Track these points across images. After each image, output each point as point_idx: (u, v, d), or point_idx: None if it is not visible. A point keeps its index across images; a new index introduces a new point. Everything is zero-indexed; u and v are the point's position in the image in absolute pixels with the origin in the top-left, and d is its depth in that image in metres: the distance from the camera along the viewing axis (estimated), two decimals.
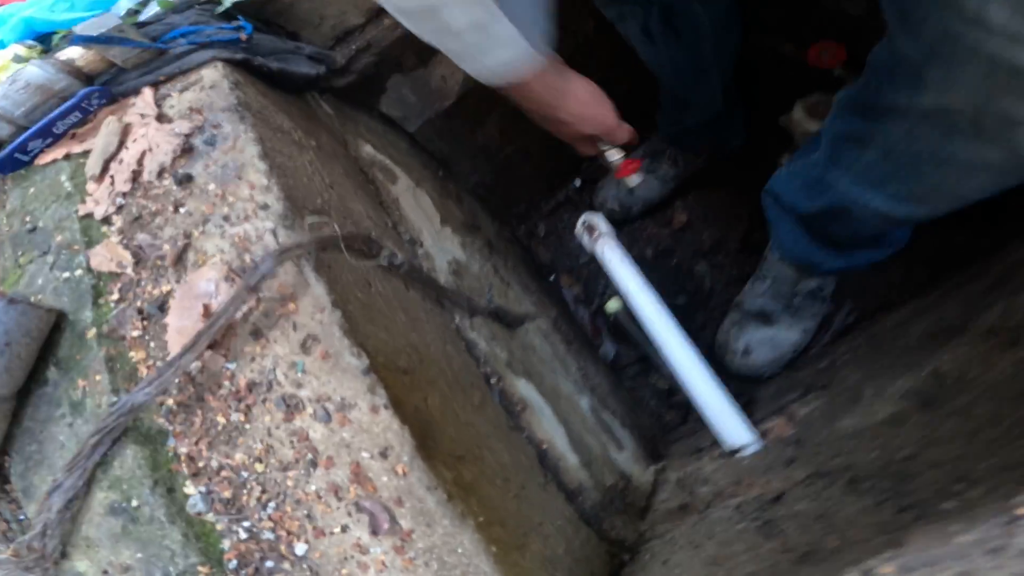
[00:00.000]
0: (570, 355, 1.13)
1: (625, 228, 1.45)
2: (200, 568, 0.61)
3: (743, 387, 1.30)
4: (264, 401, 0.61)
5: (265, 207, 0.68)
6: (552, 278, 1.39)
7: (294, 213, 0.68)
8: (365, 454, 0.57)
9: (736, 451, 1.01)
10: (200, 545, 0.62)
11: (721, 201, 1.49)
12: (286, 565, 0.60)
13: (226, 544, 0.61)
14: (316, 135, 0.93)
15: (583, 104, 0.89)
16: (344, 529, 0.58)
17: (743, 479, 0.89)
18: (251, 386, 0.62)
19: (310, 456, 0.59)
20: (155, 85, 0.86)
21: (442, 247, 1.02)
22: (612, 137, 0.96)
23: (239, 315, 0.63)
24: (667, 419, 1.31)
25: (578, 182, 1.50)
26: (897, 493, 0.62)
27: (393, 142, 1.21)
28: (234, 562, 0.61)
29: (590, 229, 1.20)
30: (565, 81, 0.86)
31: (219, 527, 0.62)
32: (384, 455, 0.57)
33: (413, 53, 1.21)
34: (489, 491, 0.65)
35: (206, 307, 0.65)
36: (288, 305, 0.63)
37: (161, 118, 0.81)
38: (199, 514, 0.62)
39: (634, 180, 1.06)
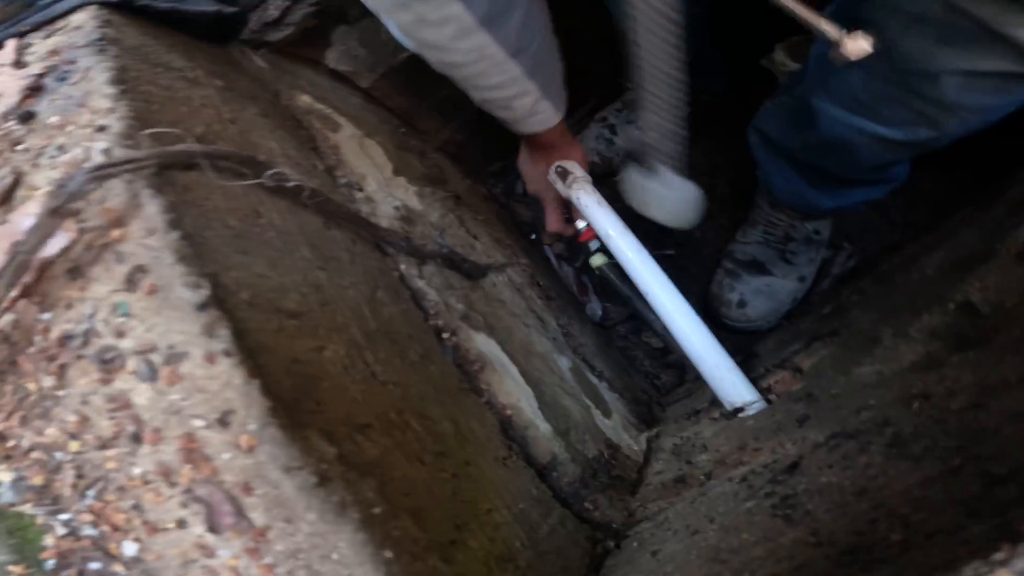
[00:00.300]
0: (549, 311, 0.90)
1: (608, 181, 1.21)
2: (14, 568, 0.40)
3: (740, 342, 1.07)
4: (80, 358, 0.39)
5: (104, 129, 0.46)
6: (533, 236, 1.16)
7: (140, 133, 0.46)
8: (198, 422, 0.35)
9: (738, 410, 0.78)
10: (15, 541, 0.40)
11: (706, 149, 1.25)
12: (116, 567, 0.38)
13: (47, 541, 0.40)
14: (229, 79, 0.71)
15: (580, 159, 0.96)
16: (181, 524, 0.36)
17: (748, 443, 0.66)
18: (65, 340, 0.39)
19: (132, 428, 0.37)
20: (20, 36, 0.65)
21: (391, 194, 0.80)
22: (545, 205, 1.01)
23: (55, 251, 0.41)
24: (662, 380, 1.07)
25: None
26: (974, 457, 0.39)
27: (343, 97, 0.99)
28: (53, 562, 0.40)
29: (563, 174, 0.96)
30: (573, 138, 0.96)
31: (38, 521, 0.40)
32: (223, 423, 0.35)
33: (357, 2, 0.98)
34: (406, 471, 0.43)
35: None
36: (114, 232, 0.41)
37: (17, 64, 0.60)
38: (11, 505, 0.41)
39: (596, 244, 1.02)
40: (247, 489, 0.35)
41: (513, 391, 0.63)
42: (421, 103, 1.12)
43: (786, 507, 0.44)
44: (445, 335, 0.63)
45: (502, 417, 0.61)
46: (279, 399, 0.36)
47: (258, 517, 0.35)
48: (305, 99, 0.86)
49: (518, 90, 0.76)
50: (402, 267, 0.68)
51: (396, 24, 0.70)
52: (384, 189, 0.79)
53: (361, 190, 0.76)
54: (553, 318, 0.89)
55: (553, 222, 1.03)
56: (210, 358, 0.35)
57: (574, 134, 1.31)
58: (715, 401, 0.85)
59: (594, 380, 0.84)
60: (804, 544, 0.38)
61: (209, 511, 0.35)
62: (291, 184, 0.52)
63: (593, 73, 1.39)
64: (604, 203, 0.94)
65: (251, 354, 0.37)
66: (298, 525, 0.34)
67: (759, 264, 1.12)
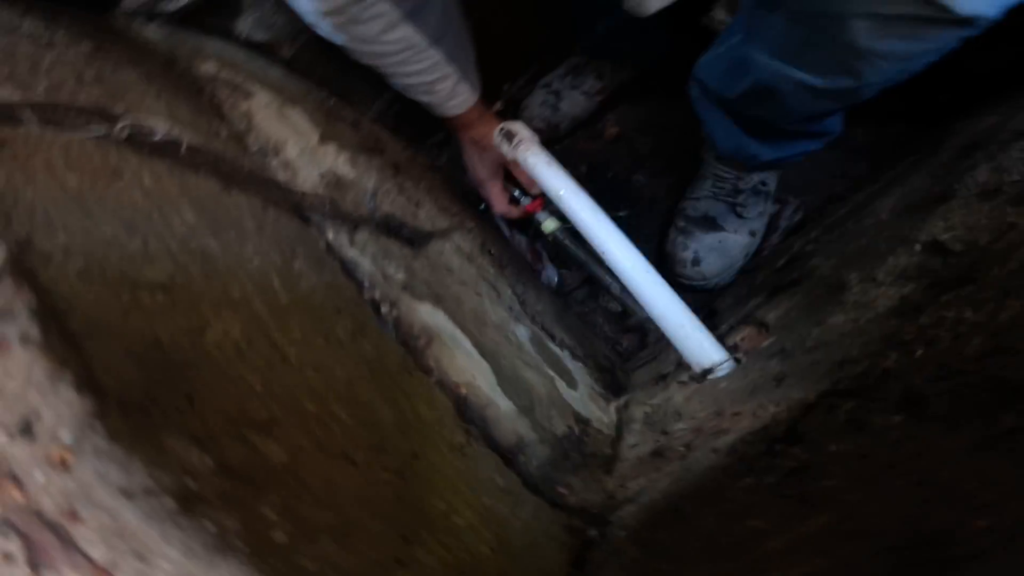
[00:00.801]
0: (503, 279, 0.79)
1: (554, 147, 1.10)
2: None
3: (698, 301, 0.98)
4: None
5: None
6: (483, 207, 1.04)
7: None
8: None
9: (707, 372, 0.69)
10: None
11: (652, 110, 1.15)
12: None
13: None
14: (103, 45, 0.56)
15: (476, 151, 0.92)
16: (8, 559, 0.23)
17: (725, 408, 0.56)
18: None
19: None
20: None
21: (315, 161, 0.66)
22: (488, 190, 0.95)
23: None
24: (624, 345, 0.98)
25: (499, 105, 1.14)
26: None
27: (260, 68, 0.84)
28: None
29: (508, 136, 0.85)
30: (493, 117, 0.89)
31: None
32: (27, 433, 0.22)
33: None
34: (330, 476, 0.31)
35: None
36: None
37: None
38: None
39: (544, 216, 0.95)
40: (74, 518, 0.22)
41: (467, 366, 0.52)
42: (351, 73, 0.97)
43: (796, 485, 0.34)
44: (383, 308, 0.51)
45: (456, 397, 0.50)
46: (118, 397, 0.23)
47: (98, 553, 0.22)
48: (209, 67, 0.70)
49: (439, 75, 0.77)
50: (329, 235, 0.55)
51: (329, 25, 0.68)
52: (307, 156, 0.66)
53: (277, 155, 0.62)
54: (507, 286, 0.77)
55: (498, 205, 0.95)
56: (4, 346, 0.22)
57: (518, 101, 1.20)
58: (682, 363, 0.76)
59: (555, 349, 0.73)
60: (837, 535, 0.28)
61: (28, 545, 0.22)
62: (158, 138, 0.39)
63: (535, 39, 1.27)
64: (554, 162, 0.83)
65: (72, 339, 0.24)
66: (155, 562, 0.22)
67: (711, 220, 1.04)
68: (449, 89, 0.80)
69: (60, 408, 0.22)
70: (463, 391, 0.51)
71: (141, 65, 0.58)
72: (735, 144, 0.94)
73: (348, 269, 0.53)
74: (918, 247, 0.63)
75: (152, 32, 0.72)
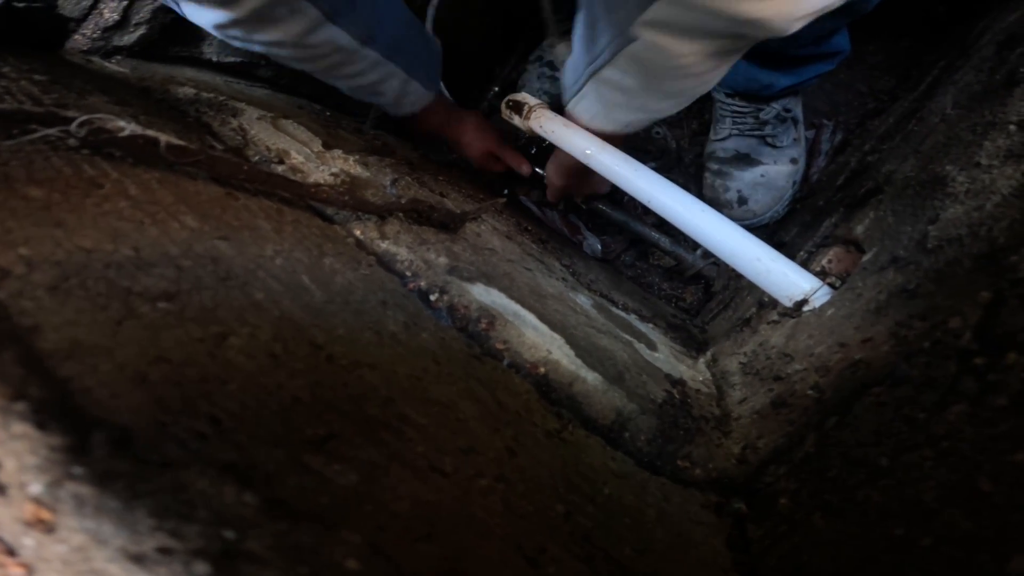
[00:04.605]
0: (548, 254, 0.70)
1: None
2: None
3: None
4: None
5: None
6: (506, 192, 0.95)
7: None
8: None
9: (801, 304, 0.59)
10: None
11: None
12: None
13: None
14: (56, 74, 0.50)
15: (473, 129, 0.86)
16: None
17: (848, 339, 0.46)
18: None
19: None
20: None
21: (324, 165, 0.59)
22: (504, 157, 0.87)
23: None
24: (688, 300, 0.88)
25: (496, 90, 1.06)
26: None
27: (241, 90, 0.78)
28: None
29: (517, 107, 0.77)
30: (456, 113, 0.86)
31: None
32: None
33: None
34: (417, 492, 0.22)
35: None
36: None
37: None
38: None
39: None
40: None
41: (539, 342, 0.43)
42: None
43: None
44: (432, 296, 0.43)
45: (535, 378, 0.41)
46: (113, 427, 0.15)
47: None
48: (186, 91, 0.64)
49: (382, 74, 0.71)
50: (357, 232, 0.47)
51: (239, 31, 0.61)
52: (314, 161, 0.59)
53: (282, 163, 0.55)
54: (555, 260, 0.69)
55: (522, 164, 0.88)
56: None
57: (513, 82, 1.12)
58: (764, 303, 0.66)
59: (622, 314, 0.64)
60: None
61: None
62: (126, 133, 0.31)
63: (517, 19, 1.19)
64: (570, 123, 0.75)
65: (39, 361, 0.16)
66: None
67: (744, 156, 0.94)
68: (398, 88, 0.74)
69: (17, 450, 0.14)
70: (542, 370, 0.42)
71: (111, 93, 0.51)
72: (745, 77, 0.87)
73: (385, 262, 0.45)
74: (1012, 127, 0.55)
75: (116, 65, 0.66)
